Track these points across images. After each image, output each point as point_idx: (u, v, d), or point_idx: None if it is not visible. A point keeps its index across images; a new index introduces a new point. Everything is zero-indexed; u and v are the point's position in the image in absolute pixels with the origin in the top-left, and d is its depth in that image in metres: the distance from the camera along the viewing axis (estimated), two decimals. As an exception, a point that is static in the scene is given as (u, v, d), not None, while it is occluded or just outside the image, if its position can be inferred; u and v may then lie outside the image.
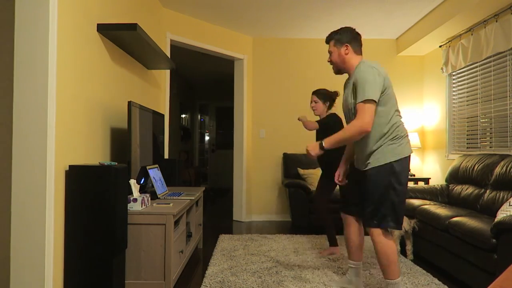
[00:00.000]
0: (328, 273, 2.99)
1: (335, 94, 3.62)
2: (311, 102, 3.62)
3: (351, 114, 2.36)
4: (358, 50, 2.40)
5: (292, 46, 5.57)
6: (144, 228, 2.50)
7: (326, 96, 3.60)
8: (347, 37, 2.39)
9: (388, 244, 2.27)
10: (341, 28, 2.44)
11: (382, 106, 2.24)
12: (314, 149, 2.31)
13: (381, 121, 2.25)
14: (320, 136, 3.48)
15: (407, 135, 2.33)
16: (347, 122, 2.43)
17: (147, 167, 2.97)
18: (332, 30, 5.19)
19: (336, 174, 2.74)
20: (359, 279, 2.63)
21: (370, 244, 3.88)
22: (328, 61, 2.50)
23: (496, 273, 2.33)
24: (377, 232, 2.27)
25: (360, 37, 2.43)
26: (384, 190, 2.23)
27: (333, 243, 3.57)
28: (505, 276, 1.18)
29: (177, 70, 7.69)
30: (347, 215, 2.62)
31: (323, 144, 2.28)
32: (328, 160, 3.48)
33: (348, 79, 2.44)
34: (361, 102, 2.17)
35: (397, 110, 2.31)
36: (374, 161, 2.27)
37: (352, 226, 2.61)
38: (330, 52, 2.46)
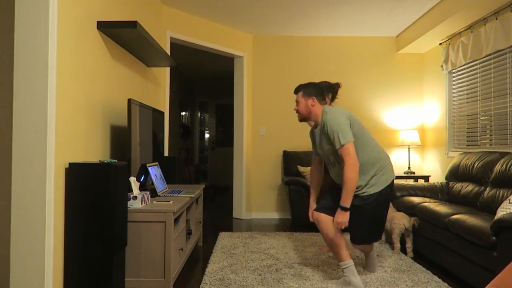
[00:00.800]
0: (328, 271, 2.99)
1: (329, 85, 2.92)
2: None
3: (328, 159, 2.69)
4: (323, 101, 2.71)
5: (292, 43, 5.57)
6: (144, 225, 2.50)
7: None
8: (313, 91, 2.69)
9: None
10: (309, 83, 2.75)
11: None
12: (344, 218, 2.52)
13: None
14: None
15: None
16: (327, 165, 2.77)
17: (147, 165, 2.97)
18: (332, 30, 5.21)
19: (310, 214, 2.87)
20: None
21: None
22: (295, 110, 2.78)
23: (496, 270, 2.33)
24: None
25: (326, 90, 2.75)
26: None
27: None
28: (505, 274, 1.18)
29: (177, 68, 7.68)
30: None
31: (345, 206, 2.50)
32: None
33: (314, 127, 2.77)
34: (341, 146, 2.48)
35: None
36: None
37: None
38: (297, 102, 2.74)
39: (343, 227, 2.53)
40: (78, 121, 2.33)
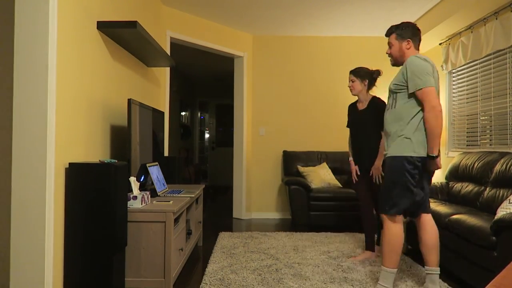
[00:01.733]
0: (328, 271, 2.99)
1: (377, 72, 3.35)
2: (349, 81, 3.39)
3: (389, 98, 2.51)
4: (417, 46, 2.52)
5: (292, 43, 5.57)
6: (144, 225, 2.50)
7: (364, 74, 3.33)
8: (408, 32, 2.50)
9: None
10: (403, 23, 2.54)
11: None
12: (436, 165, 2.35)
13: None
14: (371, 123, 3.28)
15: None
16: (387, 105, 2.56)
17: (147, 165, 2.97)
18: (332, 30, 5.21)
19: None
20: (435, 286, 2.49)
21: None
22: (387, 53, 2.62)
23: (495, 270, 2.33)
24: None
25: (420, 32, 2.53)
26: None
27: (369, 246, 3.40)
28: (504, 274, 1.18)
29: (177, 68, 7.68)
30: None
31: (432, 155, 2.30)
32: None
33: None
34: (420, 89, 2.29)
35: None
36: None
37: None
38: (390, 44, 2.57)
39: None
40: (78, 121, 2.33)
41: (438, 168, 2.38)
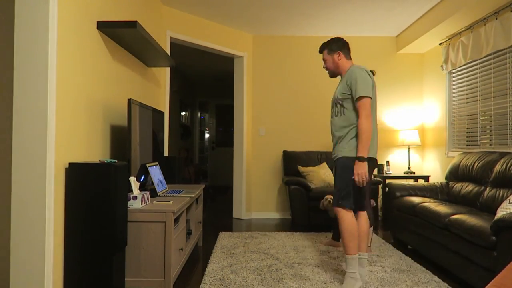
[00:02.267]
0: (328, 271, 2.99)
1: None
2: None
3: (335, 106, 2.75)
4: (348, 56, 2.81)
5: (292, 43, 5.57)
6: (144, 225, 2.50)
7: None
8: (337, 45, 2.79)
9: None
10: (331, 39, 2.83)
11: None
12: (363, 168, 2.54)
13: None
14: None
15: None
16: (332, 113, 2.81)
17: (147, 165, 2.97)
18: (332, 30, 5.21)
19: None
20: (363, 269, 2.71)
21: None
22: (324, 68, 2.89)
23: (496, 270, 2.33)
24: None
25: (348, 44, 2.83)
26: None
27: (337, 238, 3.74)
28: (504, 274, 1.18)
29: (177, 68, 7.68)
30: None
31: (362, 156, 2.54)
32: None
33: (340, 81, 2.81)
34: (359, 98, 2.57)
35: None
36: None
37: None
38: (324, 60, 2.85)
39: (363, 180, 2.53)
40: (78, 121, 2.33)
41: (363, 172, 2.55)
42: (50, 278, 2.00)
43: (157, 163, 3.26)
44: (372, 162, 2.71)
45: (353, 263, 2.59)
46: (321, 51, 2.87)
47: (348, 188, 2.61)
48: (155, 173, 3.10)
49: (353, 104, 2.63)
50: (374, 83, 2.67)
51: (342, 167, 2.64)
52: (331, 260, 3.27)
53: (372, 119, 2.57)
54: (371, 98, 2.57)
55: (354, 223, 2.62)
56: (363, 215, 2.75)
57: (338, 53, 2.77)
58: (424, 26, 4.57)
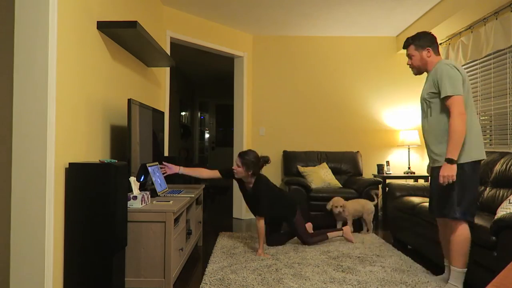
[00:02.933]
0: (328, 271, 2.99)
1: (264, 160, 3.53)
2: (234, 164, 3.51)
3: (422, 107, 2.62)
4: (437, 52, 2.60)
5: (291, 43, 5.57)
6: (144, 225, 2.50)
7: (251, 164, 3.41)
8: (427, 41, 2.58)
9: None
10: (418, 33, 2.62)
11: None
12: (451, 171, 2.35)
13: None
14: (252, 203, 3.58)
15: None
16: (421, 114, 2.66)
17: (148, 165, 2.97)
18: (332, 30, 5.21)
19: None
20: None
21: (367, 240, 3.89)
22: (408, 64, 2.70)
23: (496, 270, 2.33)
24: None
25: (436, 39, 2.62)
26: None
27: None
28: (504, 274, 1.18)
29: (177, 68, 7.68)
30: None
31: (452, 158, 2.35)
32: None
33: (427, 79, 2.62)
34: (447, 97, 2.38)
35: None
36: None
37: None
38: (410, 55, 2.64)
39: (450, 181, 2.35)
40: (78, 121, 2.33)
41: (449, 175, 2.37)
42: (50, 278, 2.00)
43: (157, 162, 3.26)
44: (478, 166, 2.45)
45: (461, 277, 2.48)
46: (405, 46, 2.66)
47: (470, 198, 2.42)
48: (156, 173, 3.10)
49: (441, 104, 2.44)
50: (466, 78, 2.46)
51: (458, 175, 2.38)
52: (331, 260, 3.27)
53: (470, 117, 2.39)
54: (461, 95, 2.37)
55: (470, 237, 2.46)
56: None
57: (428, 49, 2.56)
58: (424, 26, 4.56)
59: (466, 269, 2.48)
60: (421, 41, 2.58)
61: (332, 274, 2.92)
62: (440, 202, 2.51)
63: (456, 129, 2.33)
